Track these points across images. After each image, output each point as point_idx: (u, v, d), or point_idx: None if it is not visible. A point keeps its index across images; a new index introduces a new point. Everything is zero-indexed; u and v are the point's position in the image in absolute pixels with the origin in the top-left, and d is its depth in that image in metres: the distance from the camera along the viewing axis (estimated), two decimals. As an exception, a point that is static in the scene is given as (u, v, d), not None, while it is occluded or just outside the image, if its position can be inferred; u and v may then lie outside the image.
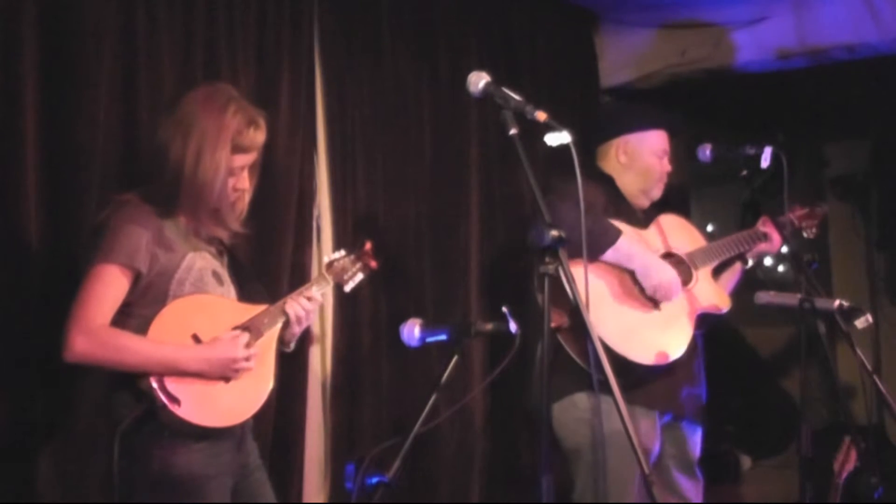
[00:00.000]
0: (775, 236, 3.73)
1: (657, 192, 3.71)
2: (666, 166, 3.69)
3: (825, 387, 3.38)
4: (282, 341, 2.94)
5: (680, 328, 3.52)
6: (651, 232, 3.63)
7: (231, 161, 2.71)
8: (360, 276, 3.10)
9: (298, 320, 2.88)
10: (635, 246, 3.48)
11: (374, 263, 3.13)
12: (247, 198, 2.84)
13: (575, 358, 3.33)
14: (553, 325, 3.34)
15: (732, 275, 3.79)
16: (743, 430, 5.79)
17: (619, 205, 3.61)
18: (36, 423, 2.96)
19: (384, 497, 2.54)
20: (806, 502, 3.19)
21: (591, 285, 3.35)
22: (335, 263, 3.07)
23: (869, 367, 3.25)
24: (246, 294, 2.89)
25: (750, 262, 3.78)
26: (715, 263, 3.70)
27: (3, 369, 2.90)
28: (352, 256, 3.10)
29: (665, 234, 3.64)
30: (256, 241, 3.56)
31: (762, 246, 3.76)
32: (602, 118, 3.94)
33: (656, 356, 3.42)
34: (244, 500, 2.80)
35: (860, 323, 3.28)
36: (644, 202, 3.71)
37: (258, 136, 2.76)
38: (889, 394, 3.24)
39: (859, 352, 3.19)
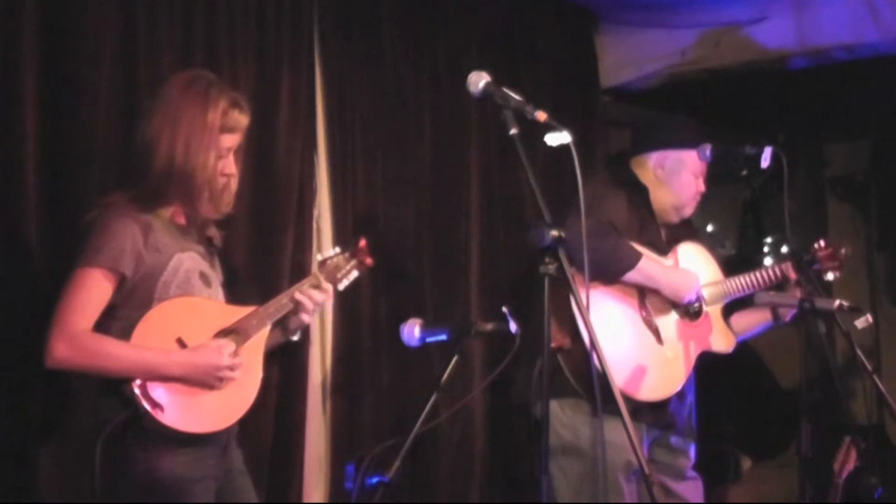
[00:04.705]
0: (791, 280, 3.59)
1: (689, 211, 3.66)
2: (701, 186, 3.63)
3: (825, 387, 3.37)
4: (286, 329, 2.93)
5: (679, 366, 3.49)
6: (667, 260, 3.57)
7: (219, 142, 2.71)
8: (354, 274, 3.05)
9: (305, 309, 2.86)
10: (655, 265, 3.45)
11: (368, 261, 3.08)
12: (234, 183, 2.81)
13: (571, 380, 3.32)
14: (554, 345, 3.33)
15: (758, 321, 3.69)
16: (743, 430, 5.78)
17: (644, 222, 3.56)
18: (35, 423, 2.96)
19: (384, 497, 2.54)
20: (806, 502, 3.18)
21: (601, 313, 3.36)
22: (328, 262, 3.02)
23: (869, 367, 3.25)
24: (234, 295, 2.87)
25: (788, 318, 3.59)
26: (726, 301, 3.64)
27: (3, 369, 2.90)
28: (346, 254, 3.04)
29: (693, 264, 3.58)
30: (256, 241, 3.57)
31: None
32: (643, 127, 3.81)
33: (650, 393, 3.40)
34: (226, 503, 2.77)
35: (860, 323, 3.28)
36: (674, 218, 3.65)
37: (242, 117, 2.77)
38: (889, 394, 3.24)
39: (859, 352, 3.19)
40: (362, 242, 3.08)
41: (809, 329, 3.26)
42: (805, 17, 4.61)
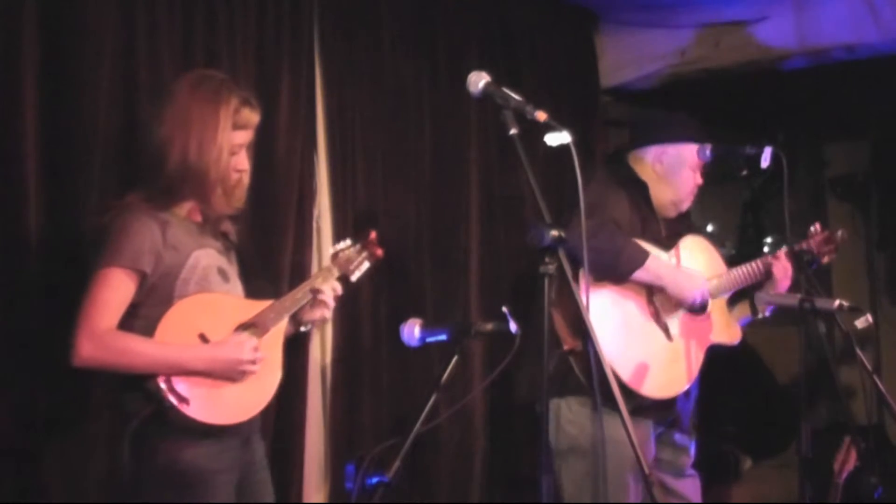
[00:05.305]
0: (782, 276, 3.59)
1: (687, 205, 3.67)
2: (698, 180, 3.64)
3: (825, 387, 3.38)
4: (298, 322, 2.98)
5: (689, 362, 3.50)
6: (670, 256, 3.58)
7: (231, 138, 2.76)
8: (366, 265, 3.11)
9: (325, 302, 2.94)
10: (662, 264, 3.46)
11: (379, 251, 3.15)
12: (246, 178, 2.87)
13: (583, 380, 3.33)
14: (566, 347, 3.34)
15: (738, 316, 3.71)
16: (743, 430, 5.79)
17: (645, 219, 3.57)
18: (36, 423, 2.96)
19: (384, 497, 2.54)
20: (806, 502, 3.18)
21: (610, 312, 3.38)
22: (340, 254, 3.09)
23: (869, 367, 3.25)
24: (252, 290, 2.92)
25: (767, 314, 3.63)
26: (729, 294, 3.64)
27: (4, 369, 2.90)
28: (357, 246, 3.11)
29: (680, 260, 3.58)
30: (256, 241, 3.57)
31: (773, 288, 3.60)
32: (640, 123, 3.84)
33: (664, 391, 3.42)
34: (246, 497, 2.82)
35: (860, 323, 3.28)
36: (672, 213, 3.66)
37: (253, 115, 2.82)
38: (889, 394, 3.24)
39: (859, 352, 3.19)
40: (373, 234, 3.15)
41: (809, 329, 3.26)
42: (805, 17, 4.61)
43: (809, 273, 3.46)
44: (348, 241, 3.12)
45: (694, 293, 3.47)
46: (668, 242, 3.60)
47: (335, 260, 3.07)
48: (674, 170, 3.60)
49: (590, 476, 3.36)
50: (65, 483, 3.00)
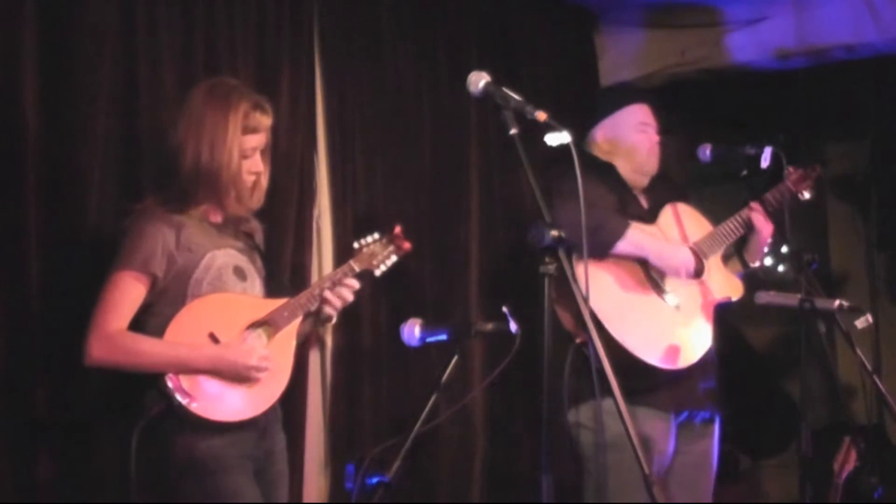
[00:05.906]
0: (763, 224, 3.66)
1: (652, 167, 3.67)
2: (653, 137, 3.65)
3: (825, 387, 3.38)
4: (318, 318, 3.01)
5: (701, 324, 3.52)
6: (664, 223, 3.60)
7: (243, 142, 2.82)
8: (392, 259, 3.10)
9: (332, 305, 2.96)
10: (644, 234, 3.47)
11: (406, 245, 3.14)
12: (264, 180, 2.92)
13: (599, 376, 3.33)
14: (579, 340, 3.34)
15: (735, 270, 3.74)
16: (743, 430, 5.79)
17: (623, 198, 3.59)
18: (36, 423, 2.96)
19: (384, 497, 2.55)
20: (806, 502, 3.19)
21: (613, 295, 3.38)
22: (364, 249, 3.07)
23: (869, 367, 3.25)
24: (272, 288, 2.96)
25: (756, 264, 3.68)
26: (722, 249, 3.66)
27: (4, 369, 2.90)
28: (383, 240, 3.11)
29: (682, 224, 3.62)
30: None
31: (754, 243, 3.68)
32: (581, 114, 3.92)
33: (686, 359, 3.42)
34: (264, 488, 2.87)
35: (860, 323, 3.29)
36: (643, 181, 3.67)
37: (265, 118, 2.87)
38: (889, 394, 3.25)
39: (859, 352, 3.19)
40: (398, 229, 3.15)
41: (809, 329, 3.27)
42: (805, 16, 4.61)
43: (809, 273, 3.46)
44: (376, 235, 3.11)
45: (678, 265, 3.47)
46: (651, 215, 3.61)
47: (357, 255, 3.07)
48: (620, 137, 3.64)
49: (617, 472, 3.35)
50: (66, 482, 3.00)
